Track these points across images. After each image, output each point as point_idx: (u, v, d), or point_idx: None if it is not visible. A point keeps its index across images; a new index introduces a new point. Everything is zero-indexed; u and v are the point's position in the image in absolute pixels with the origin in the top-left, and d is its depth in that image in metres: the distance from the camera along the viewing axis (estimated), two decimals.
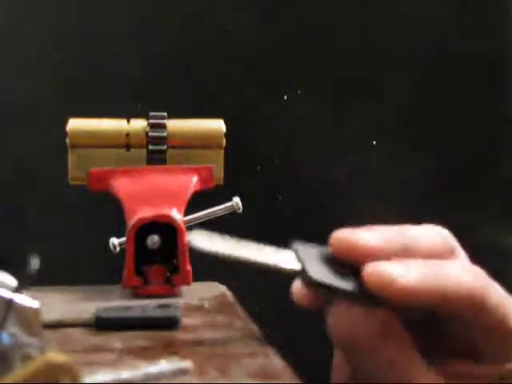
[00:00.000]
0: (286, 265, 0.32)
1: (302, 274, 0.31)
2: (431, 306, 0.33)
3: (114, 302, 0.50)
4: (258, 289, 0.80)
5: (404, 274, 0.32)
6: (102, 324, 0.40)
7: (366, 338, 0.31)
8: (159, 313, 0.41)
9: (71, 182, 0.59)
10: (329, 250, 0.33)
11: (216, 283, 0.58)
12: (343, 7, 0.82)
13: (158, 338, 0.38)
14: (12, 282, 0.29)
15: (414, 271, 0.33)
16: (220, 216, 0.58)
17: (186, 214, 0.55)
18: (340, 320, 0.31)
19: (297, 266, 0.32)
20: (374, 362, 0.32)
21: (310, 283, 0.31)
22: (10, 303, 0.27)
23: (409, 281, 0.32)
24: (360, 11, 0.82)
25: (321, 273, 0.32)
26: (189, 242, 0.31)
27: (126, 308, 0.42)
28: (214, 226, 0.60)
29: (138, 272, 0.52)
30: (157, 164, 0.58)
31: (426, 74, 0.83)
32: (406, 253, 0.34)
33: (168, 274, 0.52)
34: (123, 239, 0.54)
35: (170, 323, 0.40)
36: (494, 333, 0.35)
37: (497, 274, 0.77)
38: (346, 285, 0.32)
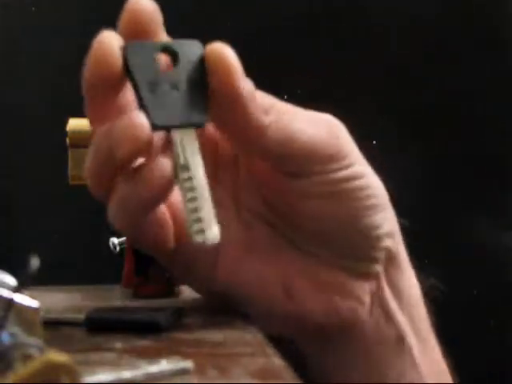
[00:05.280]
0: None
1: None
2: None
3: (114, 302, 0.50)
4: None
5: None
6: (90, 324, 0.40)
7: None
8: (144, 317, 0.40)
9: (71, 182, 0.59)
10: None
11: None
12: (345, 8, 0.82)
13: (159, 337, 0.38)
14: (12, 281, 0.29)
15: None
16: None
17: None
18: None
19: None
20: None
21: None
22: (10, 303, 0.27)
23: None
24: (360, 11, 0.82)
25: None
26: None
27: (118, 310, 0.43)
28: None
29: (138, 272, 0.52)
30: None
31: (425, 74, 0.83)
32: None
33: (168, 274, 0.52)
34: (123, 239, 0.54)
35: (151, 328, 0.39)
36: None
37: (497, 273, 0.77)
38: None
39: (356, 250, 0.43)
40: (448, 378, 0.47)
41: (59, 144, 0.60)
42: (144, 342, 0.37)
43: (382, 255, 0.43)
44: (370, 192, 0.42)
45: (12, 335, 0.27)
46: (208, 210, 0.34)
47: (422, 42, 0.83)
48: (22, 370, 0.23)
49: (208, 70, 0.37)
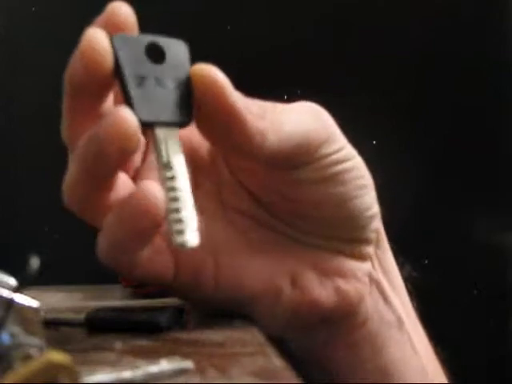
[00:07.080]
0: None
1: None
2: None
3: (114, 302, 0.50)
4: None
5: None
6: (90, 324, 0.40)
7: None
8: (144, 317, 0.40)
9: None
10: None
11: None
12: (345, 8, 0.82)
13: (159, 337, 0.38)
14: (12, 282, 0.29)
15: None
16: None
17: None
18: None
19: None
20: None
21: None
22: (10, 303, 0.27)
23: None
24: (360, 12, 0.82)
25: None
26: None
27: (118, 310, 0.43)
28: None
29: None
30: None
31: (425, 74, 0.83)
32: None
33: None
34: None
35: (151, 328, 0.39)
36: None
37: (497, 274, 0.77)
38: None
39: (351, 233, 0.43)
40: (439, 365, 0.47)
41: (59, 144, 0.60)
42: (144, 342, 0.37)
43: (373, 236, 0.44)
44: (359, 173, 0.42)
45: (12, 335, 0.27)
46: (189, 212, 0.33)
47: (422, 42, 0.83)
48: (21, 370, 0.23)
49: (196, 90, 0.35)
